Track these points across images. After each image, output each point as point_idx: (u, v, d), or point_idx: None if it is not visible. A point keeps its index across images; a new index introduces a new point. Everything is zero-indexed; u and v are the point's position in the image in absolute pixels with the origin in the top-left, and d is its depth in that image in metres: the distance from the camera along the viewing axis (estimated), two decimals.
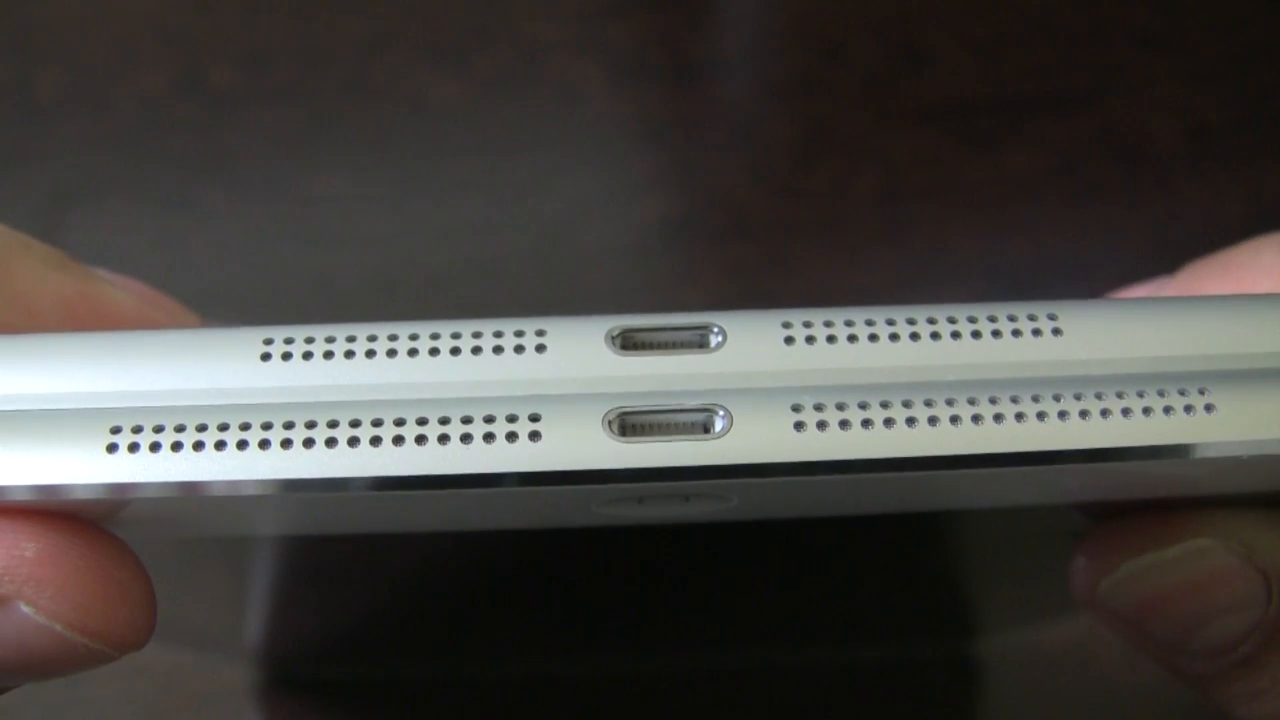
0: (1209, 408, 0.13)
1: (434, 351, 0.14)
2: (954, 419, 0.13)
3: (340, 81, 0.44)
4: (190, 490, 0.13)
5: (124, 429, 0.13)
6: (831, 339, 0.14)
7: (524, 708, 0.35)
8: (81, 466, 0.13)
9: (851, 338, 0.14)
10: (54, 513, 0.14)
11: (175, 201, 0.42)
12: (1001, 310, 0.14)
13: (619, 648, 0.34)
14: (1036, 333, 0.14)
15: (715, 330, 0.14)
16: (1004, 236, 0.42)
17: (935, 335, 0.14)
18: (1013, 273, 0.41)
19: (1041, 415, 0.13)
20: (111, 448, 0.13)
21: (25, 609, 0.13)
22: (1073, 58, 0.45)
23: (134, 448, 0.13)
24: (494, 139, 0.43)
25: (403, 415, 0.13)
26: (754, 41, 0.48)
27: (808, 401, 0.13)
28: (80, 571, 0.13)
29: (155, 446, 0.13)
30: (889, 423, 0.13)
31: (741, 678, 0.35)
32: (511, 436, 0.13)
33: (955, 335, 0.14)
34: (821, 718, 0.35)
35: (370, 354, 0.14)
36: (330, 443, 0.13)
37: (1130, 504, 0.17)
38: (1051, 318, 0.14)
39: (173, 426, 0.13)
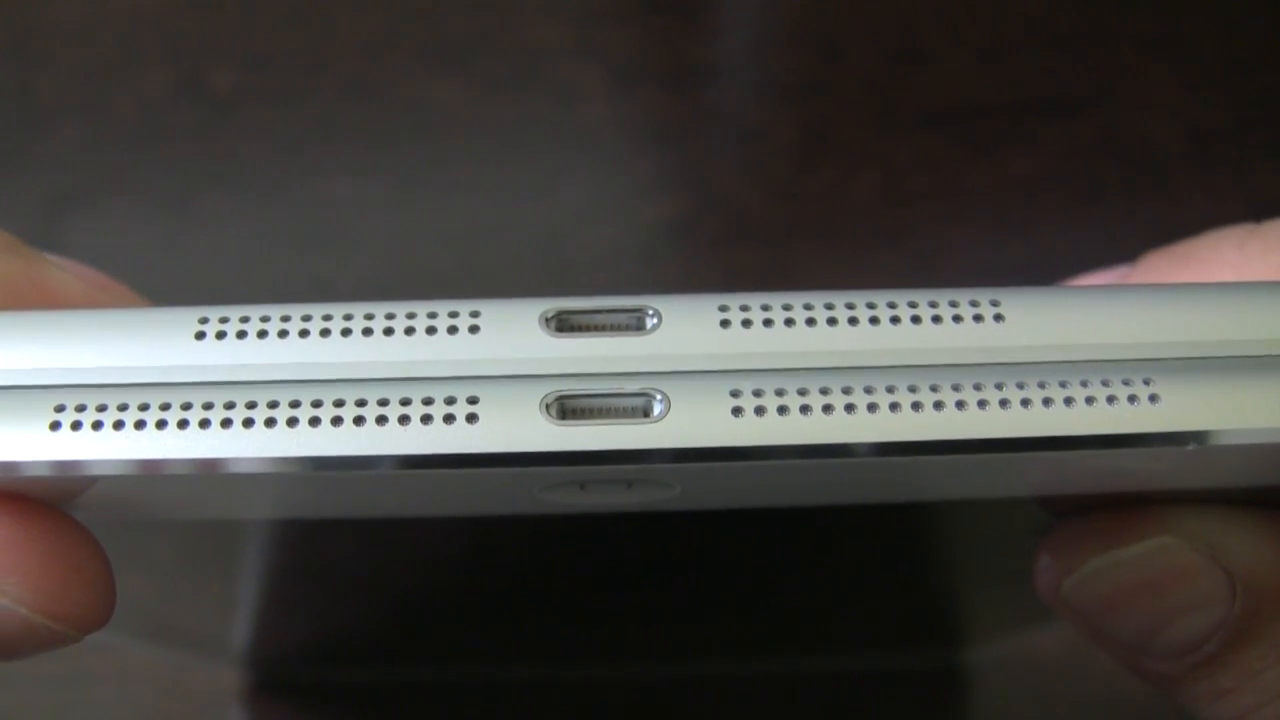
0: (1153, 398, 0.13)
1: (367, 331, 0.14)
2: (893, 406, 0.13)
3: (341, 84, 0.44)
4: (132, 469, 0.13)
5: (68, 408, 0.13)
6: (768, 323, 0.14)
7: (510, 712, 0.35)
8: (25, 444, 0.13)
9: (789, 321, 0.14)
10: (15, 498, 0.14)
11: (175, 204, 0.42)
12: (944, 296, 0.14)
13: (604, 654, 0.34)
14: (978, 319, 0.14)
15: (651, 313, 0.14)
16: (1005, 239, 0.42)
17: (874, 320, 0.14)
18: (1013, 275, 0.41)
19: (982, 403, 0.13)
20: (55, 425, 0.13)
21: None
22: (1073, 61, 0.45)
23: (76, 426, 0.13)
24: (495, 142, 0.43)
25: (341, 396, 0.13)
26: (755, 44, 0.47)
27: (746, 387, 0.13)
28: (45, 556, 0.14)
29: (97, 425, 0.13)
30: (827, 409, 0.13)
31: (729, 687, 0.35)
32: (449, 419, 0.13)
33: (895, 320, 0.14)
34: None
35: (304, 333, 0.14)
36: (269, 423, 0.13)
37: (1095, 500, 0.16)
38: (994, 304, 0.14)
39: (115, 406, 0.13)
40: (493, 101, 0.44)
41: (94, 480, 0.13)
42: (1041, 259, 0.41)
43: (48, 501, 0.14)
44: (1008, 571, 0.24)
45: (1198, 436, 0.13)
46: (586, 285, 0.41)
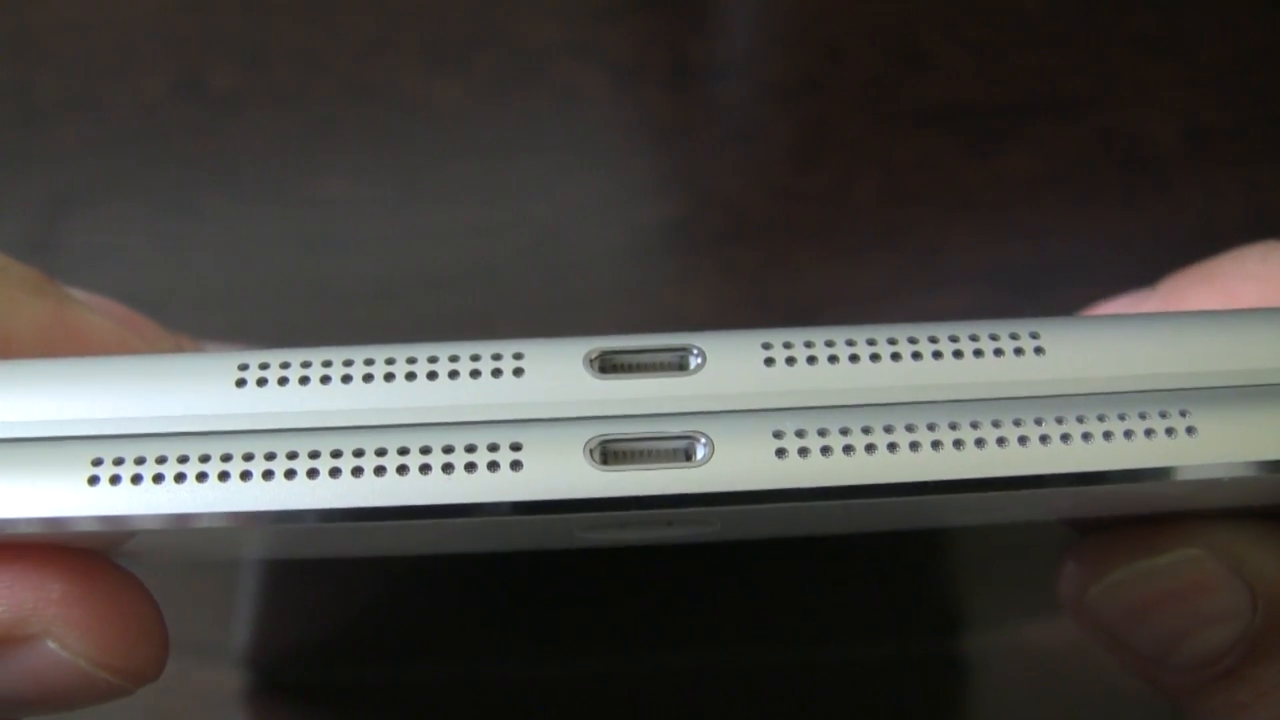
0: (1190, 430, 0.13)
1: (410, 376, 0.14)
2: (935, 444, 0.13)
3: (340, 84, 0.44)
4: (173, 522, 0.13)
5: (105, 461, 0.13)
6: (812, 360, 0.14)
7: (513, 710, 0.35)
8: (64, 499, 0.13)
9: (832, 359, 0.14)
10: (74, 551, 0.14)
11: (175, 205, 0.42)
12: (984, 329, 0.14)
13: (607, 649, 0.34)
14: (1019, 352, 0.14)
15: (695, 352, 0.14)
16: (1004, 239, 0.42)
17: (916, 355, 0.14)
18: (1013, 276, 0.41)
19: (1023, 440, 0.13)
20: (93, 480, 0.13)
21: (52, 646, 0.14)
22: (1072, 61, 0.45)
23: (115, 480, 0.13)
24: (494, 141, 0.43)
25: (384, 445, 0.13)
26: (754, 44, 0.48)
27: (789, 428, 0.13)
28: (104, 609, 0.14)
29: (137, 479, 0.13)
30: (870, 449, 0.13)
31: (732, 677, 0.35)
32: (493, 466, 0.13)
33: (937, 355, 0.14)
34: (812, 717, 0.35)
35: (346, 379, 0.14)
36: (311, 474, 0.13)
37: (1121, 519, 0.17)
38: (1034, 336, 0.14)
39: (154, 458, 0.13)
40: (491, 101, 0.44)
41: (137, 533, 0.13)
42: (1041, 259, 0.41)
43: (95, 550, 0.14)
44: (1015, 570, 0.25)
45: (1234, 467, 0.13)
46: (587, 283, 0.41)
